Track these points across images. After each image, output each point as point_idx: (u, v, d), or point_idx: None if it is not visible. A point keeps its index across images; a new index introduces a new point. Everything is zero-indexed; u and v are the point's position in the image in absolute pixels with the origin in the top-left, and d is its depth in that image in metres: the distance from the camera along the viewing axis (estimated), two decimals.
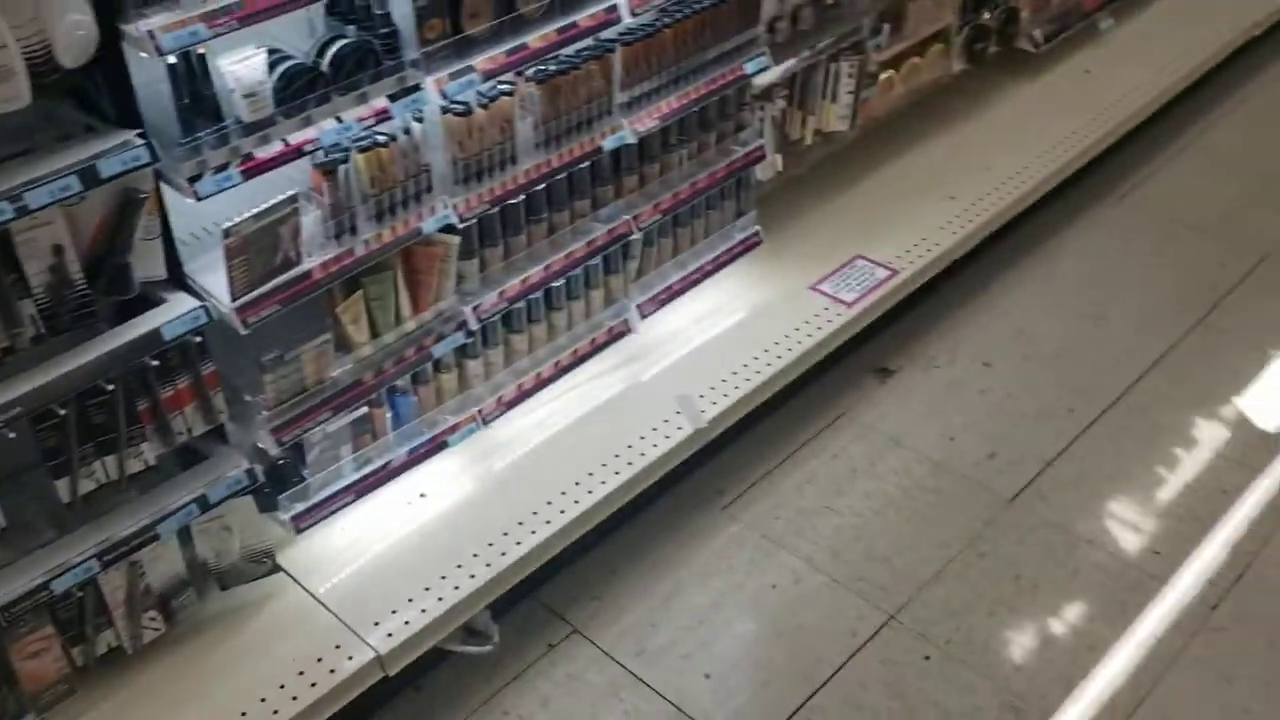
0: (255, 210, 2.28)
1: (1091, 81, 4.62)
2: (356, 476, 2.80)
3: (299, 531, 2.71)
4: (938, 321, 3.93)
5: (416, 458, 2.90)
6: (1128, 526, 3.23)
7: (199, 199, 2.21)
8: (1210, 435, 3.50)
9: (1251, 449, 3.45)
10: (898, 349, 3.83)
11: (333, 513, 2.77)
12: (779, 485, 3.38)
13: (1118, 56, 4.75)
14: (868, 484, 3.37)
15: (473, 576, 2.73)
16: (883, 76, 3.94)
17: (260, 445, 2.59)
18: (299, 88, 2.33)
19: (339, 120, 2.40)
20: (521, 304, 2.96)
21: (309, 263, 2.45)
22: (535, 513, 2.88)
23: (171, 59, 2.11)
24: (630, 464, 3.03)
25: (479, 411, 2.99)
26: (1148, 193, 4.52)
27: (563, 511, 2.89)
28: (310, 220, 2.46)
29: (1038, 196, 4.13)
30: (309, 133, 2.37)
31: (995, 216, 3.95)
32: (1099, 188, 4.51)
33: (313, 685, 2.48)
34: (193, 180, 2.20)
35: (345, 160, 2.43)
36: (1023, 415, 3.58)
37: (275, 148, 2.32)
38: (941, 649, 2.91)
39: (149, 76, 2.19)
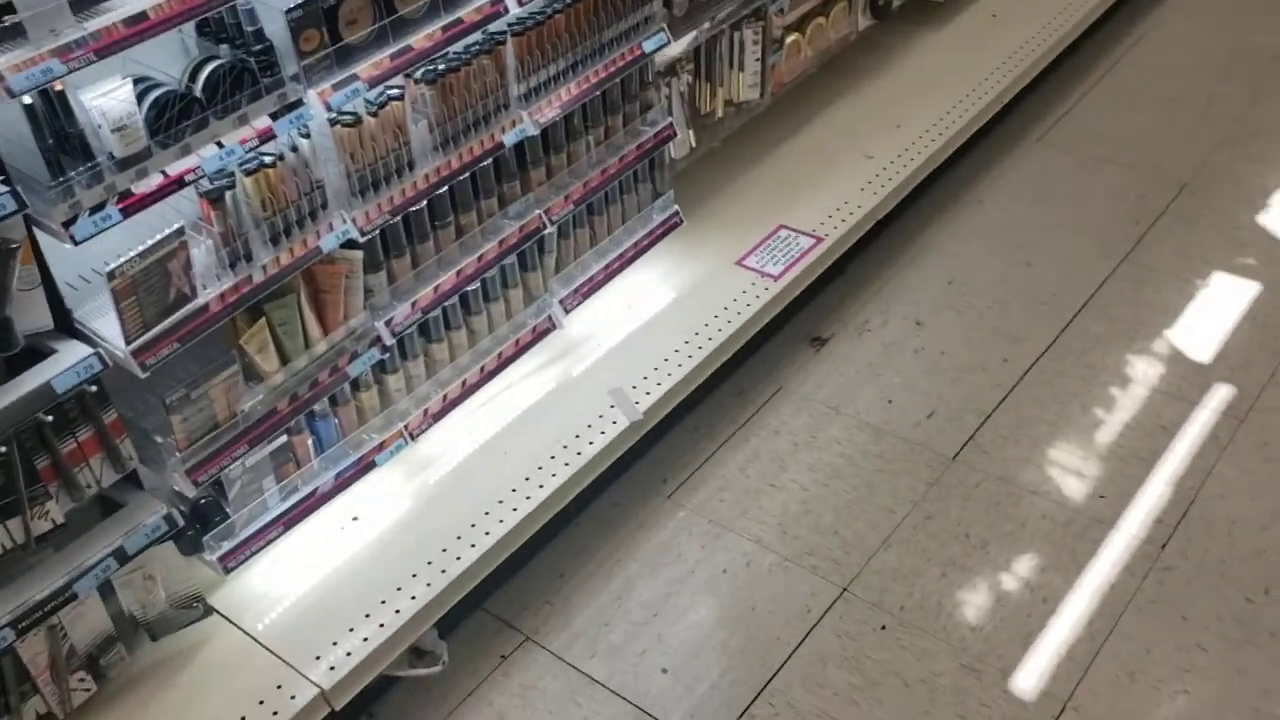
0: (140, 248, 2.17)
1: (998, 25, 4.59)
2: (284, 507, 2.71)
3: (228, 571, 2.62)
4: (867, 283, 3.90)
5: (345, 481, 2.81)
6: (1071, 473, 3.22)
7: (76, 243, 2.10)
8: (1145, 372, 3.50)
9: (1186, 381, 3.45)
10: (830, 316, 3.79)
11: (262, 547, 2.68)
12: (722, 467, 3.33)
13: None
14: (810, 456, 3.33)
15: (414, 598, 2.65)
16: (789, 40, 3.87)
17: (177, 488, 2.49)
18: (173, 116, 2.22)
19: (220, 145, 2.30)
20: (437, 312, 2.88)
21: (205, 295, 2.35)
22: (474, 525, 2.81)
23: (27, 99, 2.00)
24: (567, 464, 2.96)
25: (405, 427, 2.91)
26: (1065, 131, 4.51)
27: (501, 521, 2.82)
28: (202, 251, 2.36)
29: (955, 147, 4.10)
30: (189, 161, 2.27)
31: (915, 172, 3.92)
32: (1016, 131, 4.50)
33: None
34: (67, 224, 2.09)
35: (231, 186, 2.32)
36: (958, 370, 3.56)
37: (154, 180, 2.21)
38: (896, 617, 2.89)
39: (7, 118, 2.07)
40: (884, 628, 2.87)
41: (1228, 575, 2.92)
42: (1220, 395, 3.40)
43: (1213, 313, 3.68)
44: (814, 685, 2.76)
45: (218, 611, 2.63)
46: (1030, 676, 2.73)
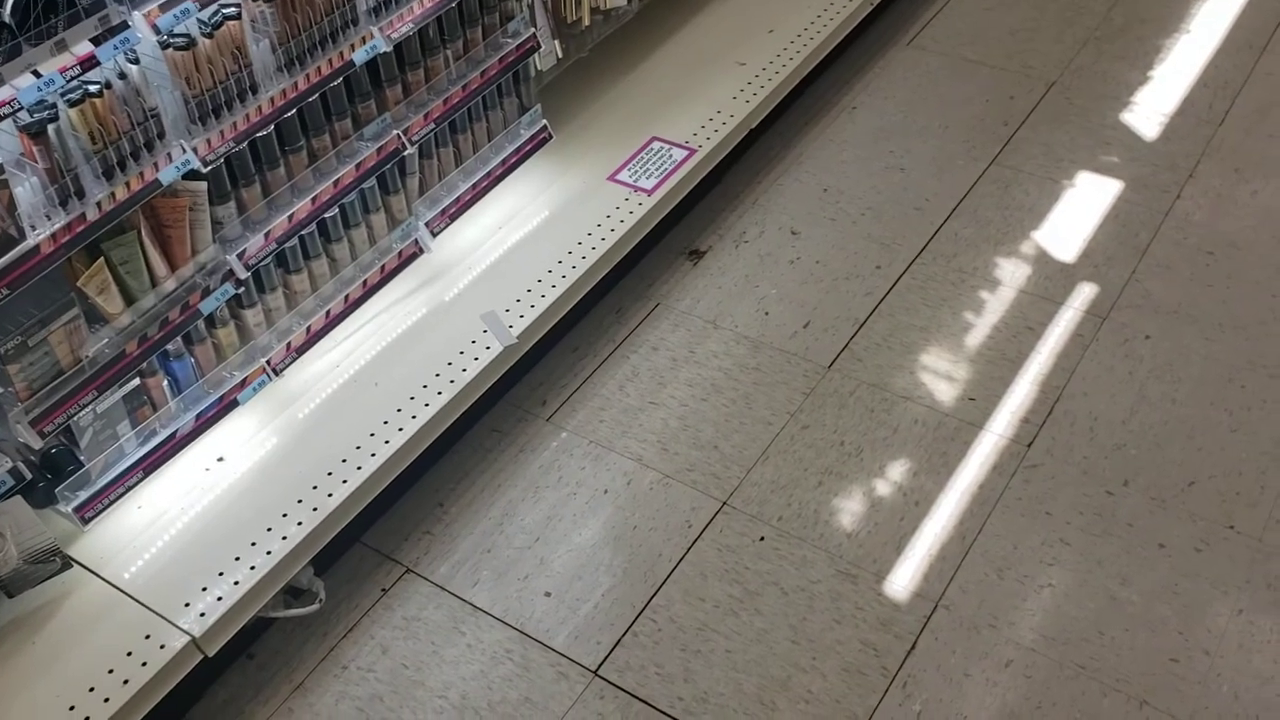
0: None
1: None
2: (142, 452, 2.61)
3: (86, 522, 2.52)
4: (743, 194, 3.87)
5: (206, 421, 2.72)
6: (941, 377, 3.28)
7: None
8: (1012, 273, 3.56)
9: (1052, 281, 3.52)
10: (706, 228, 3.77)
11: (121, 494, 2.58)
12: (601, 387, 3.31)
13: None
14: (689, 372, 3.33)
15: (285, 538, 2.59)
16: None
17: (22, 439, 2.37)
18: None
19: (37, 75, 2.13)
20: (294, 242, 2.76)
21: (34, 237, 2.21)
22: (344, 460, 2.75)
23: None
24: (440, 393, 2.90)
25: (268, 362, 2.81)
26: (935, 33, 4.51)
27: (374, 454, 2.77)
28: (27, 189, 2.21)
29: (827, 51, 4.06)
30: (4, 93, 2.10)
31: (787, 79, 3.87)
32: (887, 34, 4.47)
33: (125, 682, 2.33)
34: None
35: (54, 118, 2.17)
36: (834, 279, 3.57)
37: None
38: (774, 527, 2.93)
39: None
40: (763, 539, 2.91)
41: (1090, 470, 3.02)
42: (1084, 294, 3.48)
43: (1078, 212, 3.75)
44: (695, 599, 2.79)
45: (78, 563, 2.54)
46: (903, 579, 2.81)
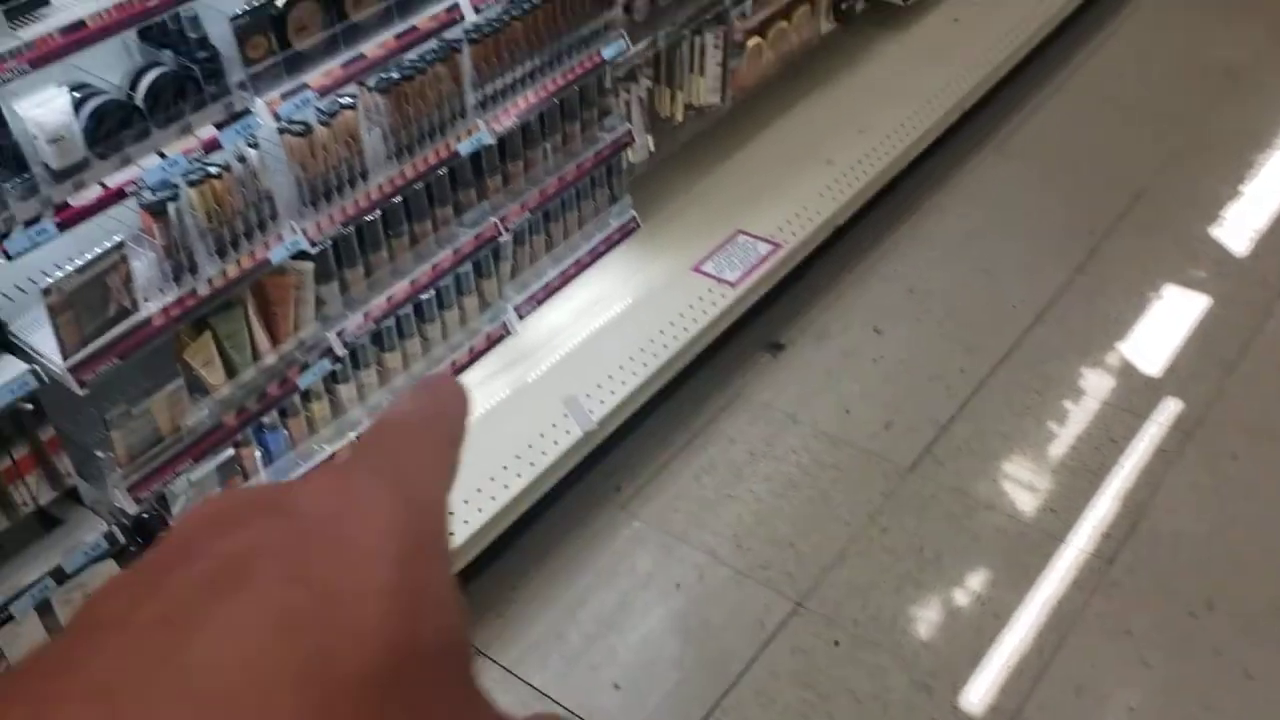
0: (77, 263, 2.11)
1: (961, 30, 4.58)
2: None
3: None
4: (827, 289, 3.89)
5: None
6: (1023, 486, 3.24)
7: (9, 258, 2.03)
8: (1096, 384, 3.52)
9: (1136, 394, 3.48)
10: (789, 321, 3.78)
11: None
12: (677, 476, 3.31)
13: (984, 4, 4.72)
14: (766, 466, 3.32)
15: None
16: (750, 44, 3.84)
17: (118, 504, 2.43)
18: (113, 126, 2.15)
19: (163, 156, 2.23)
20: (390, 321, 2.83)
21: (147, 309, 2.29)
22: None
23: None
24: (519, 475, 2.93)
25: (356, 436, 2.86)
26: (1024, 137, 4.52)
27: (451, 532, 2.78)
28: (144, 264, 2.29)
29: (917, 153, 4.09)
30: (130, 172, 2.20)
31: (875, 178, 3.91)
32: (977, 136, 4.50)
33: None
34: (1, 238, 2.02)
35: (175, 198, 2.26)
36: (916, 379, 3.56)
37: (93, 193, 2.14)
38: (850, 632, 2.89)
39: None
40: (837, 643, 2.87)
41: (1172, 589, 2.95)
42: (1169, 409, 3.43)
43: (1164, 325, 3.71)
44: (767, 700, 2.76)
45: None
46: (979, 692, 2.75)
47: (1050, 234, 4.06)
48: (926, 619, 2.91)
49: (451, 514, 0.47)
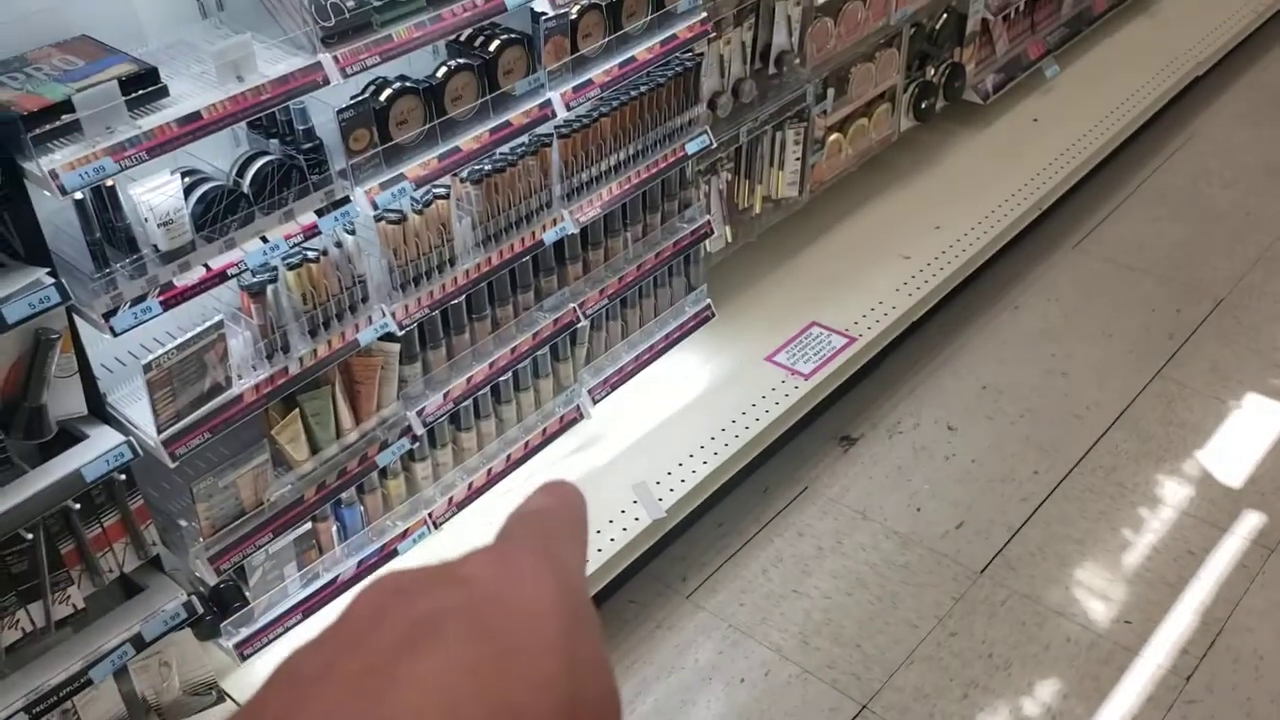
0: (178, 340, 2.19)
1: (1040, 130, 4.60)
2: (304, 594, 2.70)
3: (244, 658, 2.60)
4: (900, 384, 3.88)
5: (366, 569, 2.80)
6: (1097, 595, 3.17)
7: (116, 334, 2.11)
8: (1174, 493, 3.46)
9: (1216, 506, 3.40)
10: (860, 415, 3.77)
11: (280, 635, 2.66)
12: (744, 569, 3.30)
13: (1064, 103, 4.74)
14: (834, 563, 3.30)
15: None
16: (830, 140, 3.89)
17: (199, 574, 2.48)
18: (219, 211, 2.24)
19: (264, 239, 2.32)
20: (468, 402, 2.88)
21: (240, 386, 2.36)
22: None
23: (78, 194, 2.02)
24: (587, 560, 2.93)
25: (429, 515, 2.90)
26: (1102, 239, 4.50)
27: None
28: (239, 342, 2.37)
29: (993, 252, 4.09)
30: (233, 255, 2.28)
31: (952, 274, 3.91)
32: (1054, 236, 4.49)
33: None
34: (108, 315, 2.11)
35: (274, 279, 2.34)
36: (989, 480, 3.52)
37: (197, 274, 2.23)
38: None
39: (56, 208, 2.10)
40: None
41: (1254, 713, 2.85)
42: (1250, 522, 3.35)
43: (1245, 435, 3.64)
44: None
45: (231, 698, 2.61)
46: None
47: (1128, 337, 4.02)
48: None
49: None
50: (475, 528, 3.03)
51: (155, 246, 2.17)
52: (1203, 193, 4.71)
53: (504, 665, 0.43)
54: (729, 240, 3.68)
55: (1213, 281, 4.25)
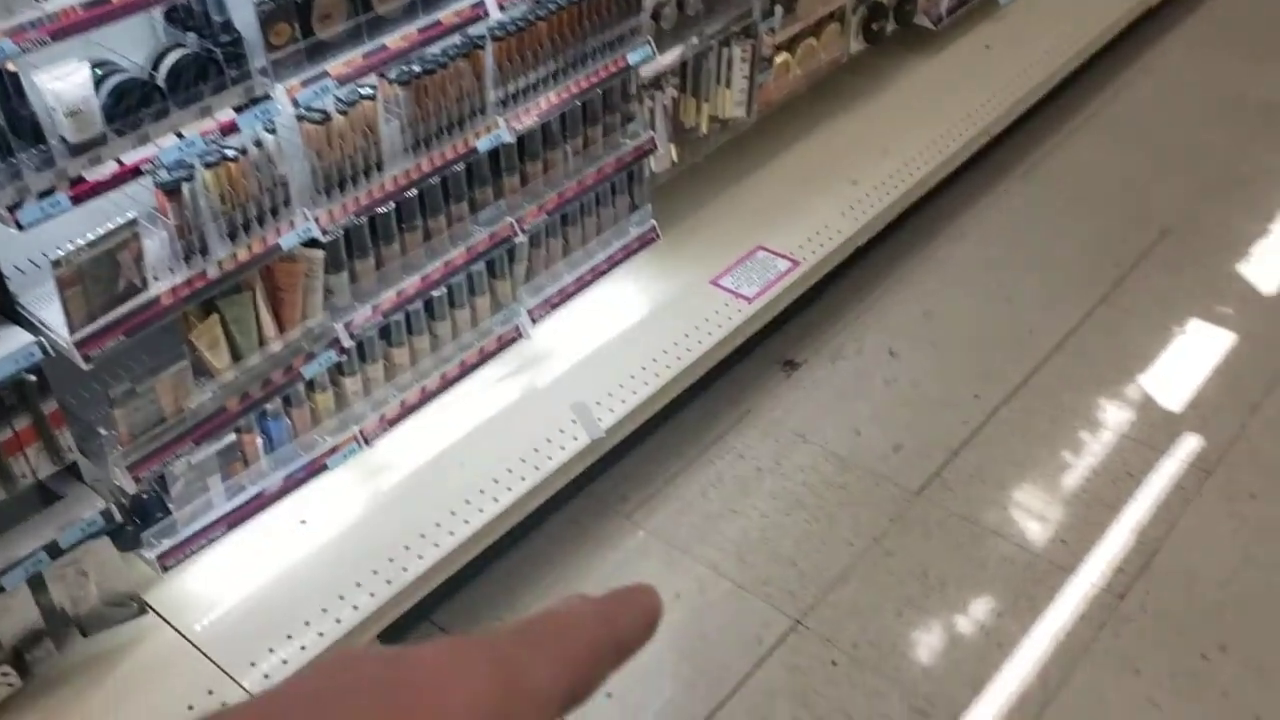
0: (89, 237, 2.11)
1: (992, 57, 4.56)
2: (228, 507, 2.65)
3: (166, 569, 2.55)
4: (844, 310, 3.86)
5: (294, 483, 2.75)
6: (1034, 515, 3.19)
7: (21, 228, 2.04)
8: (1114, 417, 3.47)
9: (1155, 429, 3.42)
10: (803, 340, 3.75)
11: (203, 547, 2.61)
12: (684, 489, 3.28)
13: (1018, 30, 4.69)
14: (774, 483, 3.28)
15: (356, 607, 2.59)
16: (778, 60, 3.83)
17: (118, 483, 2.42)
18: (132, 104, 2.15)
19: (180, 136, 2.24)
20: (399, 316, 2.82)
21: (156, 288, 2.29)
22: (423, 535, 2.76)
23: None
24: (524, 478, 2.91)
25: (360, 431, 2.85)
26: (1051, 168, 4.48)
27: (452, 532, 2.77)
28: (155, 243, 2.30)
29: (940, 177, 4.06)
30: (147, 151, 2.21)
31: (898, 200, 3.88)
32: (1002, 164, 4.46)
33: None
34: (13, 208, 2.03)
35: (190, 178, 2.26)
36: (929, 404, 3.52)
37: (109, 169, 2.15)
38: (848, 654, 2.84)
39: None
40: (835, 664, 2.82)
41: (1184, 630, 2.88)
42: (1189, 446, 3.37)
43: (1187, 361, 3.65)
44: (760, 717, 2.71)
45: (153, 610, 2.57)
46: None
47: (1073, 265, 4.02)
48: (928, 644, 2.86)
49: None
50: (408, 447, 2.98)
51: (63, 138, 2.09)
52: (1153, 124, 4.69)
53: None
54: (675, 160, 3.62)
55: (1160, 211, 4.24)
